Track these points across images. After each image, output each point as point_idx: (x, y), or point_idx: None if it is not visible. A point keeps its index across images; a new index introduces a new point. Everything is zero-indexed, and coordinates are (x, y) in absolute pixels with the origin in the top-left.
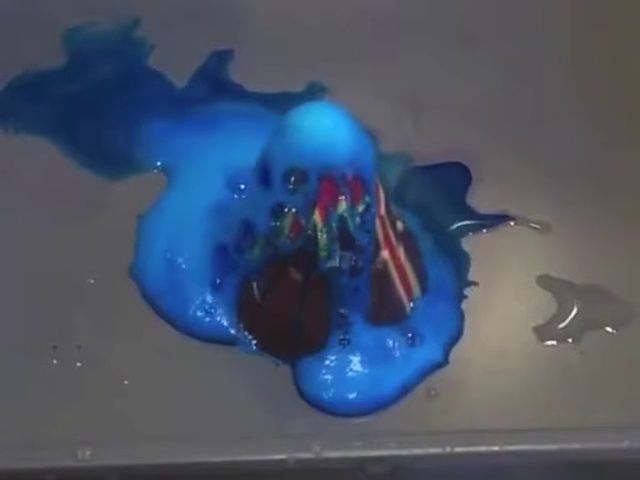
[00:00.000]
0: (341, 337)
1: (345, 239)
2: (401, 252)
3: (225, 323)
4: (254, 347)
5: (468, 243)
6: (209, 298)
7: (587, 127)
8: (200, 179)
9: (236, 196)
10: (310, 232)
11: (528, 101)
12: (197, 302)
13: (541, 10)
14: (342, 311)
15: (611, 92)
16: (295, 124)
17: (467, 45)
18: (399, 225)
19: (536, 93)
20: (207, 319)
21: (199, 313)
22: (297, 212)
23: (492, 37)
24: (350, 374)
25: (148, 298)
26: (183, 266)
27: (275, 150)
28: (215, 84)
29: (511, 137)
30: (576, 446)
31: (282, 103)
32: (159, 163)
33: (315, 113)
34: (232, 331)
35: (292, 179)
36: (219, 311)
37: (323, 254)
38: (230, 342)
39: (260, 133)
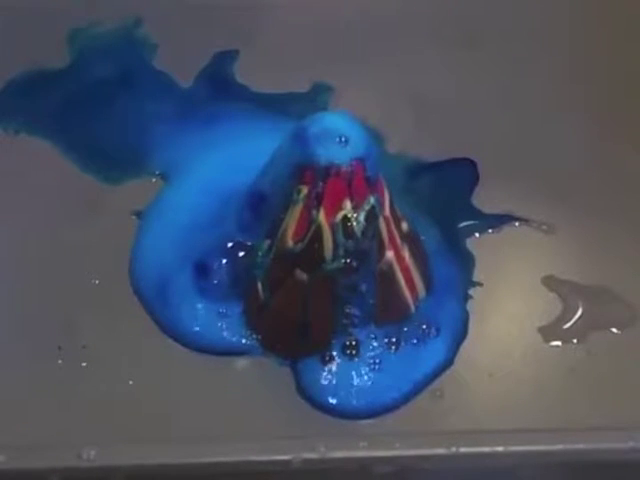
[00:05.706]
0: (346, 338)
1: (350, 239)
2: (406, 252)
3: (219, 342)
4: (259, 350)
5: (473, 244)
6: (199, 324)
7: (590, 127)
8: (201, 182)
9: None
10: (315, 232)
11: (531, 101)
12: (189, 328)
13: (541, 10)
14: (347, 311)
15: (613, 92)
16: (303, 128)
17: (469, 45)
18: (404, 225)
19: (538, 93)
20: (202, 339)
21: (192, 329)
22: (302, 213)
23: (494, 37)
24: (356, 378)
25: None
26: (173, 288)
27: (281, 155)
28: (220, 84)
29: (515, 137)
30: (581, 446)
31: (287, 103)
32: (163, 163)
33: (321, 119)
34: (232, 347)
35: (298, 180)
36: (213, 329)
37: (328, 254)
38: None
39: (264, 133)
